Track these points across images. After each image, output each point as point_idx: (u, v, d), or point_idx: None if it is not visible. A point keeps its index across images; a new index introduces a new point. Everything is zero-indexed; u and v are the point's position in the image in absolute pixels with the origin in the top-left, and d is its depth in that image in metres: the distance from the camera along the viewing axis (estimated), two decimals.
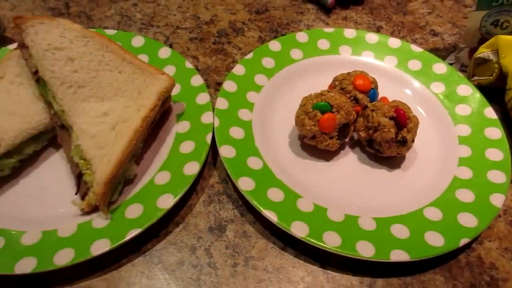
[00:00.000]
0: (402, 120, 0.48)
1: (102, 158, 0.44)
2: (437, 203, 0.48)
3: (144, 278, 0.43)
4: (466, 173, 0.51)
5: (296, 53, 0.62)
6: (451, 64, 0.64)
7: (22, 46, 0.48)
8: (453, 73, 0.60)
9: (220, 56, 0.65)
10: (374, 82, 0.54)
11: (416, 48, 0.63)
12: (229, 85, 0.56)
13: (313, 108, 0.49)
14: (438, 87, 0.60)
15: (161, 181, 0.47)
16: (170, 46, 0.66)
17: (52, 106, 0.47)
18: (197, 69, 0.63)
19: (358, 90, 0.53)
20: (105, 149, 0.44)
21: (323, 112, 0.49)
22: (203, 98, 0.54)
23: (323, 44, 0.64)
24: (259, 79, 0.58)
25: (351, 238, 0.44)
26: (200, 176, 0.51)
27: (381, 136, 0.49)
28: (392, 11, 0.75)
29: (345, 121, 0.50)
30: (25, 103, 0.48)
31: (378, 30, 0.72)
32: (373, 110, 0.50)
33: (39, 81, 0.47)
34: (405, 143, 0.49)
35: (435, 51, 0.69)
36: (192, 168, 0.47)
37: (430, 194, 0.49)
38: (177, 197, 0.45)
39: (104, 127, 0.45)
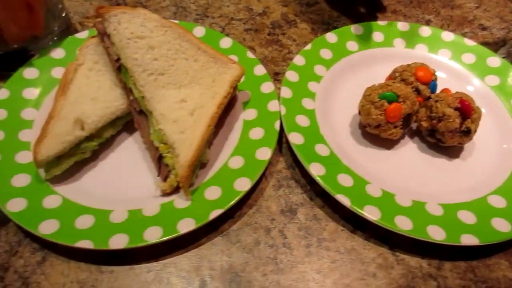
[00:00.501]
0: (467, 110, 0.50)
1: (184, 142, 0.46)
2: (500, 191, 0.50)
3: (224, 256, 0.45)
4: None
5: (352, 45, 0.64)
6: (503, 58, 0.65)
7: (104, 34, 0.50)
8: (507, 67, 0.62)
9: (275, 46, 0.67)
10: (434, 74, 0.56)
11: (469, 42, 0.64)
12: (291, 75, 0.58)
13: (380, 98, 0.51)
14: (493, 80, 0.61)
15: (235, 165, 0.49)
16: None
17: (132, 92, 0.49)
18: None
19: (420, 82, 0.55)
20: (186, 134, 0.46)
21: (390, 102, 0.51)
22: (267, 87, 0.56)
23: (378, 36, 0.65)
24: (319, 69, 0.60)
25: (421, 222, 0.45)
26: (268, 162, 0.53)
27: (445, 126, 0.51)
28: (440, 5, 0.76)
29: (410, 111, 0.52)
30: (104, 89, 0.51)
31: (427, 23, 0.73)
32: (437, 101, 0.52)
33: (120, 68, 0.50)
34: (468, 133, 0.51)
35: (485, 45, 0.70)
36: (264, 154, 0.49)
37: (491, 183, 0.51)
38: (254, 180, 0.47)
39: (183, 112, 0.48)
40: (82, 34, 0.61)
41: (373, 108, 0.51)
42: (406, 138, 0.56)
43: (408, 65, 0.57)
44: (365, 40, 0.65)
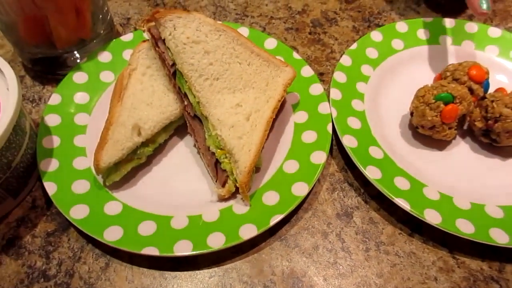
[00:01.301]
0: None
1: (243, 147, 0.46)
2: None
3: (284, 261, 0.45)
4: None
5: (397, 43, 0.63)
6: None
7: (158, 39, 0.50)
8: None
9: (318, 46, 0.66)
10: (487, 72, 0.55)
11: None
12: (339, 76, 0.58)
13: (436, 99, 0.50)
14: None
15: (290, 169, 0.49)
16: None
17: (187, 97, 0.49)
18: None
19: (473, 81, 0.54)
20: (244, 139, 0.46)
21: (446, 103, 0.50)
22: (316, 88, 0.56)
23: (423, 34, 0.64)
24: (366, 69, 0.60)
25: (483, 225, 0.45)
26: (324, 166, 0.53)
27: (502, 126, 0.50)
28: None
29: (465, 112, 0.51)
30: (158, 94, 0.51)
31: (469, 18, 0.71)
32: (493, 101, 0.51)
33: (175, 73, 0.50)
34: None
35: None
36: (319, 157, 0.49)
37: None
38: (312, 184, 0.47)
39: (239, 117, 0.48)
40: (127, 37, 0.61)
41: (428, 109, 0.51)
42: (458, 138, 0.55)
43: (460, 63, 0.56)
44: (410, 37, 0.64)
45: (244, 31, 0.62)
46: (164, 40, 0.49)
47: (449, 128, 0.51)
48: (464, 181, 0.51)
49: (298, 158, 0.50)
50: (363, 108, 0.56)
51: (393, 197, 0.46)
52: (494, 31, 0.64)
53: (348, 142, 0.51)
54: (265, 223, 0.44)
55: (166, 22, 0.49)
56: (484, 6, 0.52)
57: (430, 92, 0.51)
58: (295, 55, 0.60)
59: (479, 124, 0.52)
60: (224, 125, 0.47)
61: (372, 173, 0.48)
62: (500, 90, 0.54)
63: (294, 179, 0.48)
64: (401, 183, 0.48)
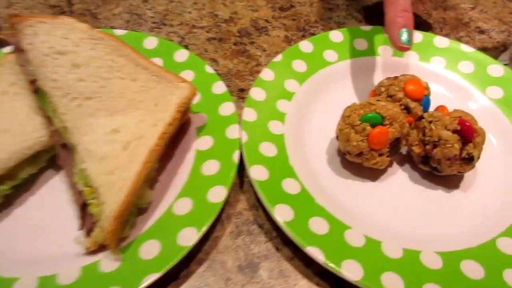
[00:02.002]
0: (469, 133, 0.41)
1: (112, 185, 0.36)
2: (510, 232, 0.40)
3: None
4: None
5: (330, 55, 0.54)
6: (505, 65, 0.56)
7: (18, 50, 0.40)
8: (511, 76, 0.52)
9: (242, 58, 0.58)
10: (427, 88, 0.47)
11: (466, 48, 0.55)
12: (257, 93, 0.49)
13: (361, 121, 0.41)
14: (496, 92, 0.52)
15: (181, 210, 0.39)
16: (186, 47, 0.58)
17: (53, 121, 0.39)
18: (217, 74, 0.55)
19: (410, 98, 0.45)
20: (116, 174, 0.37)
21: (373, 125, 0.41)
22: (227, 108, 0.47)
23: (361, 44, 0.56)
24: (291, 84, 0.51)
25: (415, 280, 0.36)
26: (225, 202, 0.43)
27: (442, 152, 0.41)
28: (431, 6, 0.67)
29: (398, 135, 0.42)
30: (21, 118, 0.41)
31: (416, 27, 0.63)
32: (431, 122, 0.42)
33: (37, 92, 0.40)
34: (470, 161, 0.41)
35: (483, 50, 0.60)
36: (218, 194, 0.40)
37: (501, 220, 0.41)
38: (202, 231, 0.37)
39: (114, 146, 0.38)
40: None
41: (353, 132, 0.42)
42: (395, 165, 0.46)
43: (396, 77, 0.47)
44: (345, 48, 0.55)
45: (152, 41, 0.53)
46: (24, 50, 0.40)
47: (380, 155, 0.42)
48: (397, 221, 0.42)
49: (193, 195, 0.40)
50: (282, 131, 0.46)
51: (304, 245, 0.37)
52: (441, 41, 0.56)
53: (257, 174, 0.41)
54: (135, 284, 0.34)
55: (25, 29, 0.39)
56: (404, 38, 0.44)
57: (356, 111, 0.42)
58: (208, 69, 0.50)
59: (417, 150, 0.43)
60: (94, 157, 0.37)
61: (281, 214, 0.39)
62: (440, 108, 0.45)
63: (183, 224, 0.38)
64: (318, 226, 0.39)
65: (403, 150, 0.47)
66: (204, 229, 0.37)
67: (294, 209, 0.39)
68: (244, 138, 0.44)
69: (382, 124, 0.41)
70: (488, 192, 0.44)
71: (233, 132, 0.45)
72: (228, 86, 0.54)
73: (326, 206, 0.41)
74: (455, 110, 0.43)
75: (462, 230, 0.41)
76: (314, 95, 0.51)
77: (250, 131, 0.45)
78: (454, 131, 0.41)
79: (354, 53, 0.55)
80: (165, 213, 0.39)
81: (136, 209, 0.39)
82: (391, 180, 0.45)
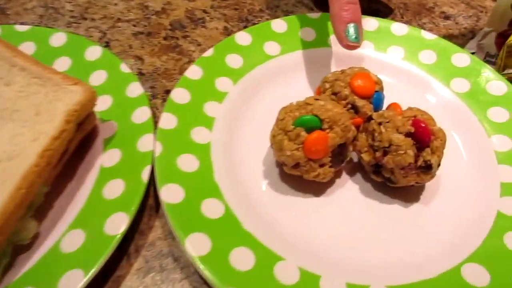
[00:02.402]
0: (424, 136, 0.33)
1: None
2: (478, 257, 0.33)
3: None
4: None
5: (272, 47, 0.47)
6: (472, 54, 0.49)
7: None
8: (479, 66, 0.45)
9: (172, 54, 0.50)
10: (378, 82, 0.39)
11: (428, 35, 0.48)
12: (179, 94, 0.41)
13: (295, 125, 0.34)
14: (461, 85, 0.45)
15: (69, 246, 0.31)
16: (107, 44, 0.50)
17: None
18: (140, 73, 0.47)
19: (358, 95, 0.38)
20: None
21: (309, 130, 0.34)
22: (141, 114, 0.39)
23: (308, 34, 0.48)
24: (222, 83, 0.43)
25: None
26: (134, 230, 0.35)
27: (394, 160, 0.34)
28: None
29: (341, 141, 0.35)
30: None
31: (375, 14, 0.56)
32: (380, 123, 0.35)
33: None
34: (429, 169, 0.34)
35: (449, 38, 0.54)
36: (117, 224, 0.32)
37: (467, 242, 0.34)
38: (90, 274, 0.29)
39: None
40: None
41: (286, 140, 0.34)
42: (344, 176, 0.39)
43: (343, 71, 0.40)
44: (290, 39, 0.48)
45: (60, 38, 0.45)
46: None
47: (321, 166, 0.35)
48: (344, 246, 0.34)
49: (88, 226, 0.32)
50: (208, 139, 0.39)
51: (220, 286, 0.29)
52: (399, 28, 0.49)
53: (169, 195, 0.34)
54: None
55: None
56: (350, 35, 0.37)
57: (291, 114, 0.35)
58: (123, 68, 0.42)
59: (366, 157, 0.36)
60: None
61: (195, 245, 0.31)
62: (392, 107, 0.38)
63: (69, 264, 0.30)
64: (242, 259, 0.31)
65: (354, 156, 0.39)
66: (93, 271, 0.29)
67: (212, 238, 0.32)
68: (158, 150, 0.36)
69: (320, 129, 0.34)
70: (450, 208, 0.37)
71: (145, 143, 0.37)
72: (153, 87, 0.46)
73: (255, 232, 0.33)
74: (409, 109, 0.36)
75: (421, 256, 0.34)
76: (251, 95, 0.43)
77: (167, 142, 0.37)
78: (407, 134, 0.34)
79: (300, 45, 0.47)
80: (50, 251, 0.31)
81: (10, 247, 0.31)
82: (338, 194, 0.38)
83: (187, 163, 0.36)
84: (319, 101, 0.35)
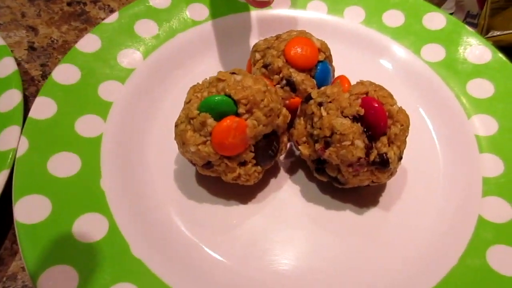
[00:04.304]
0: (378, 120, 0.24)
1: None
2: (454, 280, 0.24)
3: None
4: (499, 210, 0.27)
5: (197, 11, 0.37)
6: (451, 14, 0.39)
7: None
8: (457, 28, 0.36)
9: (75, 24, 0.39)
10: (324, 49, 0.30)
11: None
12: (65, 72, 0.31)
13: (201, 110, 0.24)
14: (435, 53, 0.35)
15: None
16: None
17: None
18: (31, 47, 0.37)
19: (295, 67, 0.28)
20: None
21: (219, 116, 0.24)
22: (10, 100, 0.29)
23: None
24: (127, 57, 0.33)
25: None
26: None
27: (338, 154, 0.25)
28: None
29: (267, 130, 0.25)
30: None
31: None
32: (321, 104, 0.25)
33: None
34: (385, 165, 0.25)
35: None
36: None
37: (440, 260, 0.26)
38: None
39: None
40: None
41: (190, 130, 0.25)
42: (282, 174, 0.30)
43: (278, 36, 0.30)
44: (221, 1, 0.38)
45: None
46: None
47: (241, 164, 0.26)
48: (279, 271, 0.25)
49: None
50: (99, 131, 0.29)
51: None
52: None
53: (25, 211, 0.24)
54: None
55: None
56: None
57: (199, 94, 0.25)
58: None
59: (305, 150, 0.27)
60: None
61: (58, 284, 0.22)
62: (338, 81, 0.28)
63: None
64: None
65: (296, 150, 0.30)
66: None
67: (80, 272, 0.22)
68: (23, 148, 0.26)
69: (235, 114, 0.24)
70: (423, 211, 0.28)
71: (7, 139, 0.27)
72: (44, 65, 0.36)
73: (148, 260, 0.24)
74: (360, 83, 0.26)
75: (380, 278, 0.25)
76: (166, 73, 0.34)
77: (36, 137, 0.27)
78: (355, 118, 0.24)
79: (234, 7, 0.37)
80: None
81: None
82: (272, 199, 0.29)
83: (63, 165, 0.27)
84: (235, 75, 0.25)
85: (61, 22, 0.39)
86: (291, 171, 0.30)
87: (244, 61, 0.34)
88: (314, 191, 0.29)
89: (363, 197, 0.28)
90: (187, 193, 0.28)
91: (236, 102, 0.24)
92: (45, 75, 0.36)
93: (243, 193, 0.28)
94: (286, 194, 0.29)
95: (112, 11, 0.41)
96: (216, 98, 0.24)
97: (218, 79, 0.25)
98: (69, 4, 0.41)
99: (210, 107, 0.24)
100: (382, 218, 0.28)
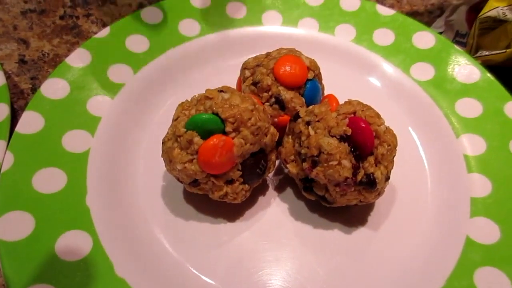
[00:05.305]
0: (366, 140, 0.24)
1: None
2: None
3: None
4: (487, 231, 0.27)
5: (189, 26, 0.37)
6: (440, 34, 0.40)
7: None
8: (446, 47, 0.37)
9: (67, 37, 0.39)
10: (313, 67, 0.30)
11: (385, 11, 0.39)
12: (54, 87, 0.31)
13: (187, 128, 0.24)
14: (424, 71, 0.36)
15: None
16: None
17: None
18: (22, 60, 0.37)
19: (284, 85, 0.28)
20: None
21: (206, 135, 0.24)
22: None
23: (236, 9, 0.39)
24: (118, 72, 0.33)
25: None
26: None
27: (325, 174, 0.25)
28: None
29: (254, 148, 0.25)
30: None
31: None
32: (309, 123, 0.25)
33: None
34: (372, 186, 0.25)
35: (413, 15, 0.45)
36: None
37: (427, 281, 0.25)
38: None
39: None
40: None
41: (177, 148, 0.25)
42: (270, 192, 0.30)
43: (268, 54, 0.30)
44: (213, 16, 0.38)
45: None
46: None
47: (228, 183, 0.25)
48: None
49: None
50: (86, 146, 0.29)
51: None
52: (351, 3, 0.39)
53: (9, 228, 0.24)
54: None
55: None
56: None
57: (186, 112, 0.25)
58: None
59: (293, 169, 0.27)
60: None
61: None
62: (326, 100, 0.28)
63: None
64: None
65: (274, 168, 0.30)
66: None
67: None
68: (7, 163, 0.26)
69: (222, 132, 0.24)
70: (411, 231, 0.28)
71: None
72: (34, 79, 0.36)
73: (131, 280, 0.24)
74: (348, 103, 0.26)
75: None
76: (157, 88, 0.34)
77: (24, 151, 0.27)
78: (343, 138, 0.24)
79: (227, 23, 0.38)
80: None
81: None
82: (261, 217, 0.28)
83: (48, 181, 0.26)
84: (223, 93, 0.25)
85: (53, 36, 0.39)
86: (279, 189, 0.30)
87: (234, 78, 0.34)
88: (302, 209, 0.29)
89: (351, 216, 0.28)
90: (174, 211, 0.28)
91: (223, 121, 0.24)
92: (34, 89, 0.35)
93: (231, 211, 0.28)
94: (274, 212, 0.29)
95: (104, 25, 0.41)
96: (203, 116, 0.24)
97: (205, 97, 0.25)
98: (61, 18, 0.41)
99: (197, 125, 0.24)
100: (370, 238, 0.28)
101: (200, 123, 0.24)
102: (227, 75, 0.35)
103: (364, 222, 0.28)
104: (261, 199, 0.29)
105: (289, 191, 0.30)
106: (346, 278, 0.26)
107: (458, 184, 0.29)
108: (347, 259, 0.27)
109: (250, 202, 0.28)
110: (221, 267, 0.26)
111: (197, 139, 0.24)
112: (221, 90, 0.26)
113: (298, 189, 0.29)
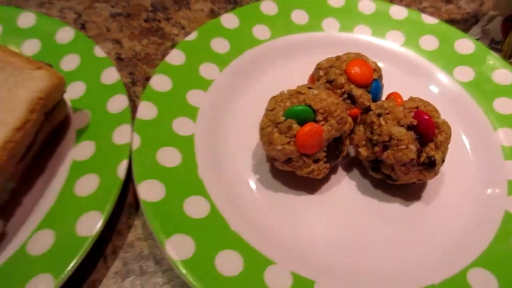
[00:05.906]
0: (428, 130, 0.31)
1: None
2: (485, 261, 0.30)
3: None
4: None
5: (261, 31, 0.43)
6: (477, 40, 0.46)
7: None
8: (484, 53, 0.42)
9: (154, 38, 0.46)
10: (377, 69, 0.36)
11: (429, 20, 0.45)
12: (160, 81, 0.37)
13: (286, 116, 0.31)
14: (465, 74, 0.42)
15: (37, 248, 0.28)
16: (82, 26, 0.46)
17: None
18: (119, 58, 0.44)
19: (355, 83, 0.35)
20: None
21: (302, 122, 0.30)
22: (118, 103, 0.35)
23: (300, 17, 0.45)
24: (207, 70, 0.39)
25: None
26: (111, 230, 0.32)
27: (394, 156, 0.31)
28: None
29: (337, 134, 0.32)
30: None
31: None
32: (380, 115, 0.32)
33: None
34: (432, 166, 0.31)
35: (451, 23, 0.51)
36: (90, 224, 0.28)
37: (472, 245, 0.32)
38: (58, 281, 0.26)
39: None
40: None
41: (277, 132, 0.31)
42: (340, 171, 0.36)
43: (338, 57, 0.37)
44: (281, 22, 0.44)
45: (27, 18, 0.41)
46: None
47: (315, 161, 0.32)
48: (339, 250, 0.31)
49: (57, 226, 0.29)
50: (191, 131, 0.35)
51: None
52: (398, 11, 0.46)
53: (148, 192, 0.30)
54: None
55: None
56: None
57: (281, 104, 0.32)
58: (98, 52, 0.39)
59: (364, 152, 0.33)
60: None
61: (177, 248, 0.28)
62: (392, 96, 0.35)
63: (37, 268, 0.27)
64: (228, 263, 0.28)
65: (350, 149, 0.36)
66: (63, 276, 0.26)
67: (196, 240, 0.29)
68: (136, 143, 0.33)
69: (313, 121, 0.31)
70: (458, 205, 0.34)
71: (122, 135, 0.33)
72: (132, 74, 0.43)
73: (244, 233, 0.30)
74: (411, 99, 0.33)
75: (422, 260, 0.31)
76: (239, 83, 0.40)
77: (146, 133, 0.34)
78: (409, 127, 0.31)
79: (292, 29, 0.44)
80: (16, 254, 0.28)
81: None
82: (334, 192, 0.35)
83: (168, 157, 0.33)
84: (312, 89, 0.32)
85: (141, 37, 0.46)
86: (347, 169, 0.36)
87: (300, 76, 0.40)
88: (367, 186, 0.35)
89: (409, 192, 0.35)
90: (264, 184, 0.34)
91: (315, 111, 0.30)
92: (133, 82, 0.42)
93: (311, 186, 0.34)
94: (344, 188, 0.35)
95: (183, 28, 0.47)
96: (299, 107, 0.30)
97: (298, 92, 0.32)
98: (146, 21, 0.47)
99: (295, 114, 0.30)
100: (423, 210, 0.34)
101: (298, 113, 0.30)
102: (292, 73, 0.41)
103: (419, 198, 0.34)
104: (333, 177, 0.35)
105: (355, 171, 0.36)
106: (406, 244, 0.32)
107: (496, 169, 0.35)
108: (406, 228, 0.33)
109: (325, 179, 0.35)
110: (305, 230, 0.32)
111: (295, 125, 0.30)
112: (309, 87, 0.32)
113: (363, 170, 0.35)
